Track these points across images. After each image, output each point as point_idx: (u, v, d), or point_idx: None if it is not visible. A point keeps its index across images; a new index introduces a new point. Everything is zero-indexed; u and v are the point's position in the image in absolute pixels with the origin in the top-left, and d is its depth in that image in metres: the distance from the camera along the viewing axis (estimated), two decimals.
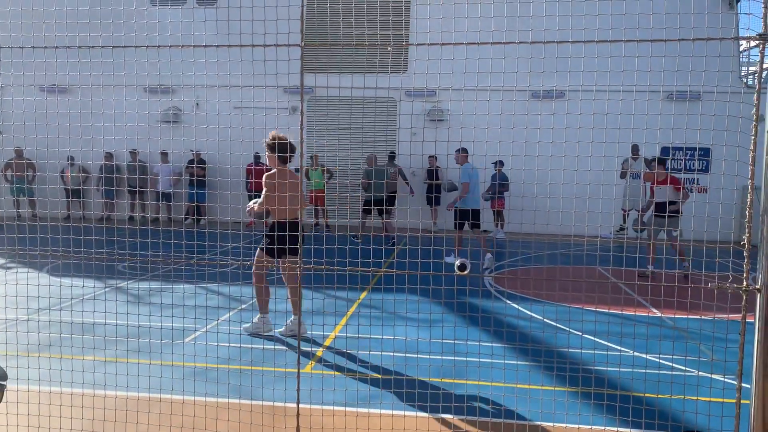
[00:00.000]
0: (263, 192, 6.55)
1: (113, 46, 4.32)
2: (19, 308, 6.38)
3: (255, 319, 6.82)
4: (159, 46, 4.13)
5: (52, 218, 14.81)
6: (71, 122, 5.75)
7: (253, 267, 6.81)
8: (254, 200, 6.76)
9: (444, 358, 5.84)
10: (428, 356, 5.60)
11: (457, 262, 4.16)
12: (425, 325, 6.03)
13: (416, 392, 4.73)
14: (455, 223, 11.31)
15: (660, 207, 9.87)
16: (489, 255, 11.33)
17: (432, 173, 16.70)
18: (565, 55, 4.20)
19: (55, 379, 4.50)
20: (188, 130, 15.51)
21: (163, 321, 5.66)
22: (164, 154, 16.68)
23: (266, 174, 6.49)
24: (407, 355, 5.58)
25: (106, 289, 8.64)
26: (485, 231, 13.08)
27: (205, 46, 4.06)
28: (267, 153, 6.59)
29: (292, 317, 6.72)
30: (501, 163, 14.62)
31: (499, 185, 14.79)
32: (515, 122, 4.54)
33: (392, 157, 16.00)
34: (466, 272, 4.22)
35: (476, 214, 11.12)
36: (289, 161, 6.58)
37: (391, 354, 5.88)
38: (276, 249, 6.51)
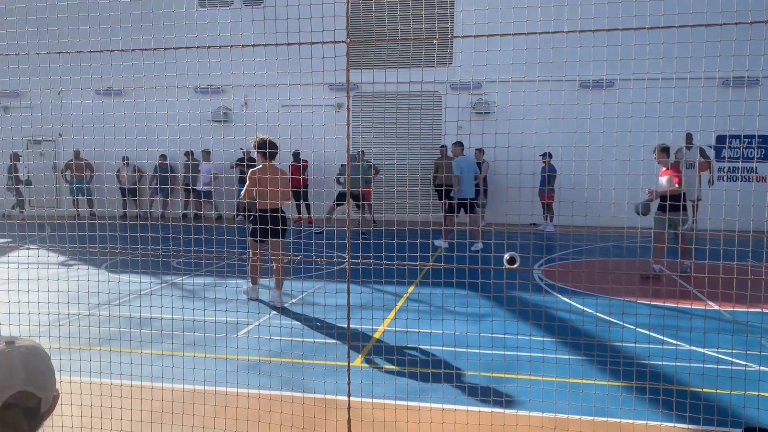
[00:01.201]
0: (246, 183, 7.76)
1: (165, 48, 4.44)
2: (81, 303, 6.64)
3: (246, 287, 8.17)
4: (208, 47, 4.23)
5: (110, 216, 15.34)
6: (126, 124, 5.94)
7: (250, 251, 8.02)
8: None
9: (494, 352, 5.81)
10: (477, 350, 5.57)
11: (506, 256, 4.13)
12: (474, 320, 6.01)
13: (466, 386, 4.72)
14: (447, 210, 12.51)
15: (663, 199, 9.28)
16: (480, 245, 11.79)
17: (477, 166, 16.53)
18: (615, 43, 4.11)
19: (115, 371, 4.67)
20: (237, 128, 15.79)
21: (216, 315, 5.81)
22: (206, 153, 16.97)
23: (251, 169, 7.83)
24: (456, 349, 5.57)
25: (162, 285, 8.90)
26: (485, 222, 14.24)
27: (253, 45, 4.13)
28: (255, 151, 7.90)
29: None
30: (549, 154, 14.40)
31: (548, 177, 14.57)
32: (564, 113, 4.46)
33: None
34: (515, 266, 4.18)
35: (471, 202, 12.23)
36: (273, 158, 7.81)
37: (440, 348, 5.88)
38: (260, 232, 7.64)
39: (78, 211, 16.95)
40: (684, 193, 9.32)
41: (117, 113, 5.85)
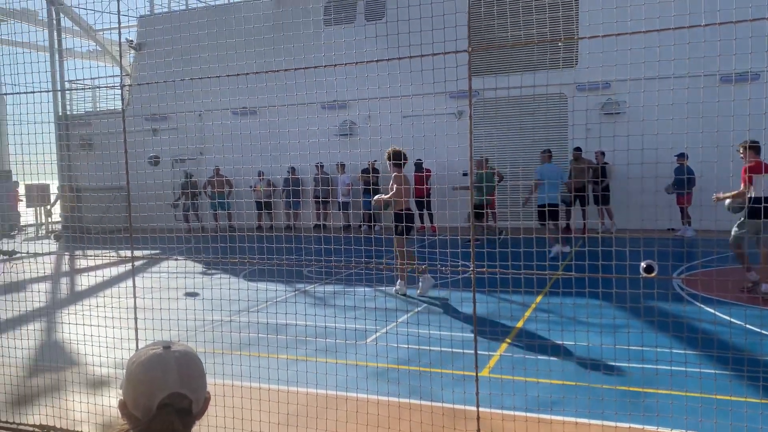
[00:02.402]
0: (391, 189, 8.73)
1: (294, 69, 4.66)
2: (223, 310, 7.10)
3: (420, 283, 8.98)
4: (335, 65, 4.40)
5: (247, 228, 16.26)
6: (260, 141, 6.30)
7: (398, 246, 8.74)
8: (379, 194, 9.11)
9: (631, 365, 5.52)
10: (613, 363, 5.32)
11: (643, 264, 3.92)
12: (609, 331, 5.74)
13: (601, 399, 4.52)
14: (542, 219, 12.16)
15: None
16: (557, 247, 11.93)
17: (600, 170, 15.75)
18: (761, 34, 3.79)
19: (254, 375, 4.94)
20: (363, 141, 16.22)
21: (347, 322, 5.98)
22: (341, 165, 17.64)
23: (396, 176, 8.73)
24: (590, 360, 5.35)
25: (295, 293, 9.31)
26: (567, 227, 14.26)
27: (377, 61, 4.24)
28: (390, 162, 8.60)
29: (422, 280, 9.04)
30: (685, 155, 13.48)
31: (681, 182, 13.61)
32: (704, 110, 4.18)
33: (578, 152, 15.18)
34: (653, 274, 3.96)
35: (551, 210, 12.00)
36: (403, 167, 8.55)
37: (573, 360, 5.68)
38: (401, 228, 8.68)
39: (218, 224, 18.17)
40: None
41: (252, 131, 6.23)
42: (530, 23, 5.34)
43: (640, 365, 5.45)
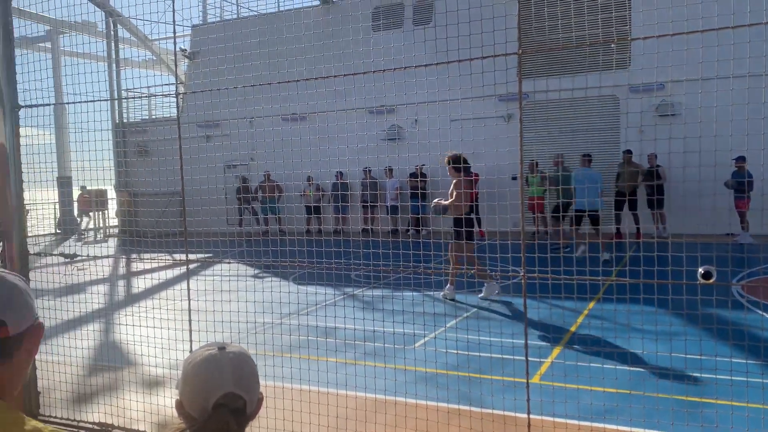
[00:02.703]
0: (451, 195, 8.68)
1: (344, 75, 4.70)
2: (273, 313, 7.20)
3: (484, 288, 9.01)
4: (384, 71, 4.42)
5: (297, 233, 16.45)
6: (310, 146, 6.37)
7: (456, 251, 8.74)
8: (438, 198, 8.95)
9: (688, 374, 5.35)
10: (669, 371, 5.17)
11: (701, 270, 3.79)
12: (665, 338, 5.58)
13: (657, 408, 4.39)
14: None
15: None
16: (583, 247, 11.71)
17: (653, 174, 15.29)
18: None
19: (303, 377, 4.99)
20: (410, 146, 16.24)
21: (395, 327, 5.99)
22: (389, 170, 17.70)
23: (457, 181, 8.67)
24: (645, 369, 5.21)
25: (343, 296, 9.37)
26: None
27: (426, 65, 4.24)
28: (448, 166, 8.61)
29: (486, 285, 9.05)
30: (743, 158, 13.00)
31: (742, 183, 13.12)
32: (766, 112, 4.02)
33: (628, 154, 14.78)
34: (711, 281, 3.83)
35: (591, 215, 11.90)
36: (462, 172, 8.48)
37: (627, 368, 5.54)
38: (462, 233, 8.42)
39: (268, 228, 18.45)
40: None
41: (301, 137, 6.31)
42: (582, 24, 5.25)
43: (698, 374, 5.27)
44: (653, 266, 4.05)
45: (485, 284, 9.10)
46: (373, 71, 4.47)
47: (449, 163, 8.58)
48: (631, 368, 5.50)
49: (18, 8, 5.30)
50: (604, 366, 5.20)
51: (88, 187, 19.80)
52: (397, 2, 18.96)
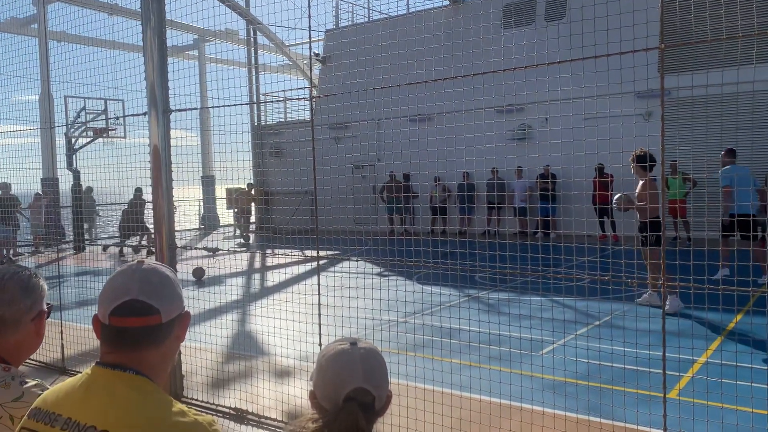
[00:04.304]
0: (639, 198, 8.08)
1: (473, 75, 4.66)
2: (398, 311, 7.29)
3: (646, 295, 8.48)
4: (514, 69, 4.32)
5: (422, 233, 16.55)
6: (436, 147, 6.38)
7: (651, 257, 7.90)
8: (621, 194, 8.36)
9: None
10: None
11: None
12: None
13: None
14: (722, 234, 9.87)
15: None
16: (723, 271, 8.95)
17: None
18: None
19: (427, 377, 5.00)
20: (540, 146, 15.81)
21: (521, 331, 5.85)
22: (518, 170, 17.35)
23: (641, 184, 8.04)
24: None
25: (468, 298, 9.30)
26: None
27: (559, 62, 4.10)
28: (633, 165, 7.92)
29: (649, 291, 8.31)
30: None
31: None
32: None
33: None
34: None
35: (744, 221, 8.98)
36: (650, 171, 7.79)
37: None
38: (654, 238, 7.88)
39: (393, 227, 18.72)
40: None
41: (428, 138, 6.34)
42: (733, 14, 4.84)
43: None
44: None
45: (669, 299, 8.02)
46: (504, 69, 4.38)
47: (634, 161, 7.86)
48: None
49: (170, 20, 5.75)
50: (753, 384, 4.76)
51: (229, 186, 20.82)
52: None
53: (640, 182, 8.06)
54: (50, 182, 18.82)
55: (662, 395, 3.67)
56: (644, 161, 7.51)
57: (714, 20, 4.57)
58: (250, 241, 18.93)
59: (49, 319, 1.96)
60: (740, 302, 7.91)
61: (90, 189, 18.77)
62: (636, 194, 8.22)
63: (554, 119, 15.39)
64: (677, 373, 5.73)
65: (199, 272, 12.04)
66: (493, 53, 5.44)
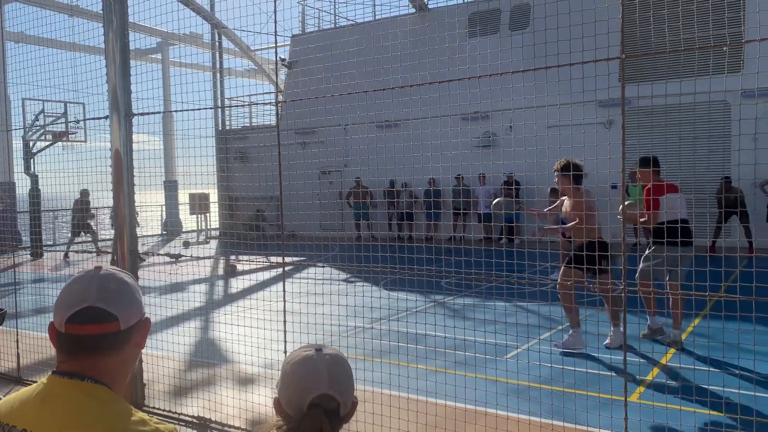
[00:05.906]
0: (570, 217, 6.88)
1: (439, 82, 4.69)
2: (364, 317, 7.28)
3: (567, 336, 7.05)
4: (479, 77, 4.37)
5: (388, 238, 16.57)
6: (403, 153, 6.40)
7: (559, 284, 7.04)
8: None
9: None
10: None
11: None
12: None
13: None
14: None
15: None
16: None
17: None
18: None
19: (393, 383, 5.00)
20: (505, 153, 15.99)
21: (486, 336, 5.89)
22: (483, 177, 17.54)
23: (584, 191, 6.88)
24: (756, 393, 4.86)
25: (433, 304, 9.33)
26: None
27: (523, 71, 4.16)
28: (558, 175, 6.87)
29: (613, 328, 6.92)
30: None
31: None
32: None
33: None
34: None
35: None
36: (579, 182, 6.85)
37: (736, 390, 5.18)
38: (589, 268, 6.61)
39: (360, 233, 18.70)
40: None
41: (394, 144, 6.36)
42: (690, 26, 4.98)
43: None
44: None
45: (612, 329, 7.02)
46: (469, 78, 4.43)
47: (557, 170, 6.83)
48: (741, 391, 5.14)
49: (133, 22, 5.66)
50: (710, 387, 4.89)
51: (192, 191, 20.42)
52: (494, 8, 18.76)
53: (567, 200, 7.04)
54: (6, 186, 18.36)
55: (623, 399, 3.74)
56: (569, 170, 6.53)
57: (672, 32, 4.70)
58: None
59: (4, 327, 1.90)
60: (699, 306, 8.11)
61: (86, 192, 16.95)
62: (565, 212, 7.13)
63: (518, 127, 15.62)
64: (638, 377, 5.84)
65: (230, 269, 12.52)
66: (459, 61, 5.49)
